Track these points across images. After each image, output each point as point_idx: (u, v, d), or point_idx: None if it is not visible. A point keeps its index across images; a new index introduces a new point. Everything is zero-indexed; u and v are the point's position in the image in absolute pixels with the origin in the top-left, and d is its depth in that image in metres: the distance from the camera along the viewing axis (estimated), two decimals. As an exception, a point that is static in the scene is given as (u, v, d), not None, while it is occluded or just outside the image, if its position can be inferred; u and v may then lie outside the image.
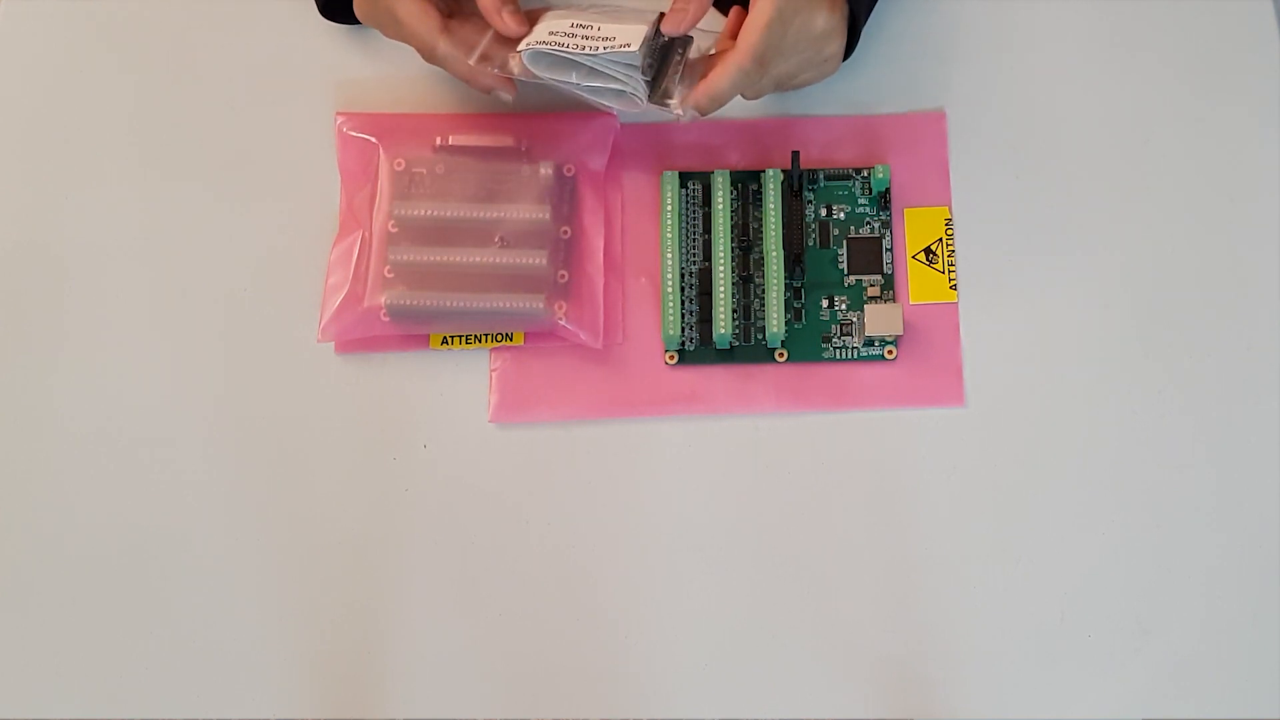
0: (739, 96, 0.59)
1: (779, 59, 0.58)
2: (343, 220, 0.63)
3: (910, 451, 0.60)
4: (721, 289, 0.61)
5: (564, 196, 0.63)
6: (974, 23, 0.66)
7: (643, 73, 0.57)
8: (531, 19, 0.59)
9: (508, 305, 0.60)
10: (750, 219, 0.63)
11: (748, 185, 0.64)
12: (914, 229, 0.63)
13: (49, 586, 0.60)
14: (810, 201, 0.63)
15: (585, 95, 0.59)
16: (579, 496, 0.61)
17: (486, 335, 0.62)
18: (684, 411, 0.61)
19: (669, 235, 0.62)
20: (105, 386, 0.62)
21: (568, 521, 0.60)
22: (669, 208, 0.62)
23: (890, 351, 0.61)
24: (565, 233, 0.63)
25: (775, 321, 0.60)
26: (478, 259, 0.61)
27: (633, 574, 0.60)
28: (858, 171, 0.64)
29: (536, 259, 0.61)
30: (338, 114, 0.65)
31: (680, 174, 0.63)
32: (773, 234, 0.61)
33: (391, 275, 0.61)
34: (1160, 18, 0.65)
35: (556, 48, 0.56)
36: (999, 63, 0.65)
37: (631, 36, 0.56)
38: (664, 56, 0.59)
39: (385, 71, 0.66)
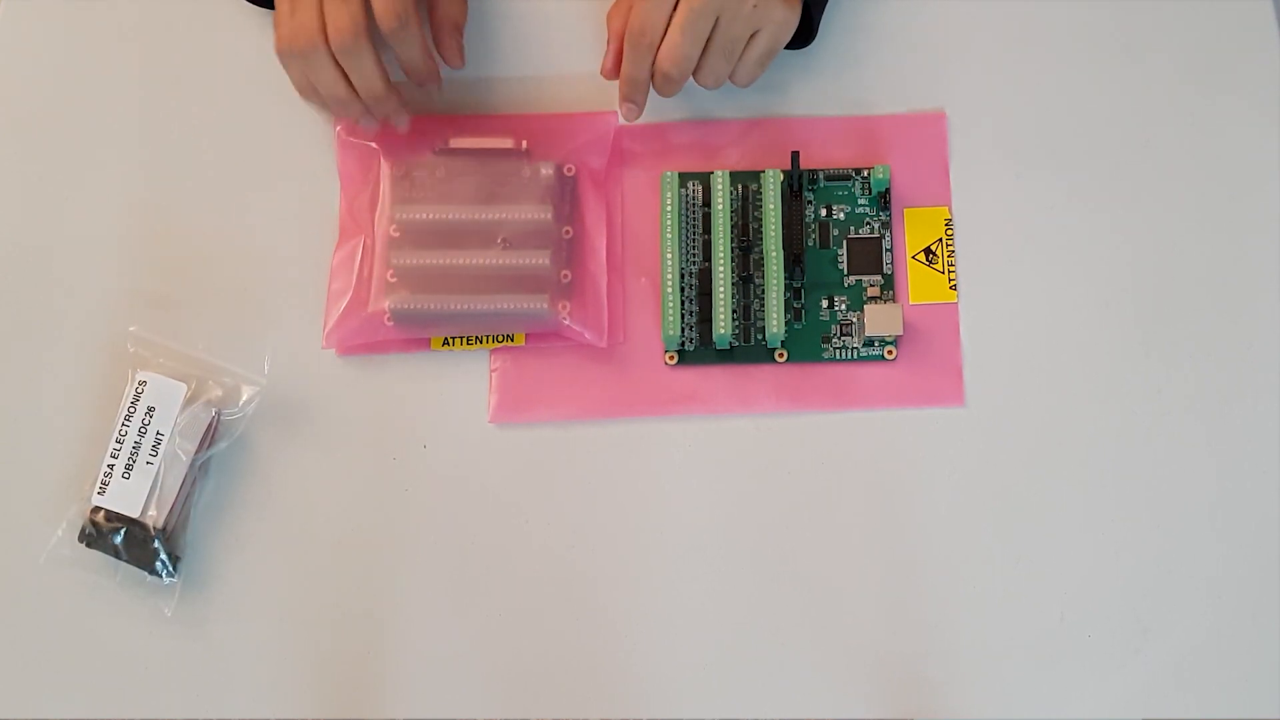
0: (702, 87, 0.60)
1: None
2: (342, 225, 0.63)
3: (910, 451, 0.60)
4: (721, 289, 0.61)
5: (565, 196, 0.63)
6: (974, 23, 0.66)
7: None
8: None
9: (512, 306, 0.60)
10: (750, 219, 0.63)
11: (748, 185, 0.64)
12: (914, 229, 0.63)
13: (48, 586, 0.60)
14: (810, 202, 0.63)
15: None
16: (579, 496, 0.61)
17: (488, 336, 0.62)
18: (684, 411, 0.61)
19: (669, 235, 0.62)
20: (104, 386, 0.62)
21: (567, 521, 0.60)
22: (669, 208, 0.62)
23: (890, 351, 0.61)
24: (567, 233, 0.63)
25: (775, 322, 0.60)
26: (481, 261, 0.61)
27: (632, 574, 0.60)
28: (858, 172, 0.64)
29: (539, 259, 0.61)
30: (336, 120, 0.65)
31: (680, 174, 0.63)
32: (773, 234, 0.61)
33: (395, 279, 0.61)
34: (1160, 17, 0.65)
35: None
36: (999, 63, 0.65)
37: None
38: None
39: (385, 72, 0.66)
